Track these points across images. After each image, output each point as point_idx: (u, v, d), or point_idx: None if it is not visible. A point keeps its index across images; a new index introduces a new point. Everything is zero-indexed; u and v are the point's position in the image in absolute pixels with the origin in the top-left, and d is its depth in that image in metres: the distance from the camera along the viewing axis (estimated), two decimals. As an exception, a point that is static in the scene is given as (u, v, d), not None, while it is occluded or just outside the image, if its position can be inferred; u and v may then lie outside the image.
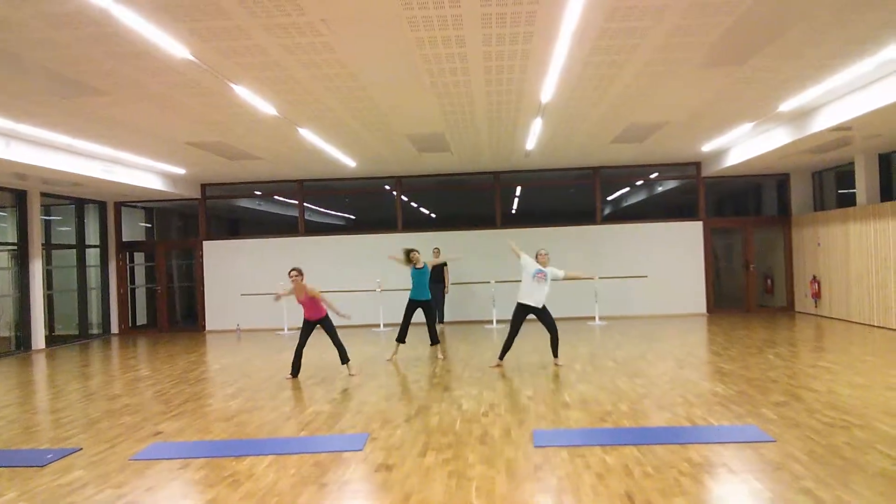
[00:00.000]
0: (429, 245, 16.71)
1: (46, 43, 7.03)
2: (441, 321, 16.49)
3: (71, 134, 11.26)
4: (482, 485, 5.38)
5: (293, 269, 10.46)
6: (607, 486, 5.25)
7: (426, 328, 12.03)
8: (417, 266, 11.88)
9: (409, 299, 11.89)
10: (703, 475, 5.44)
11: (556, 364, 10.67)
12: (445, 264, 16.12)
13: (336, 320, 10.58)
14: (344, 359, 10.58)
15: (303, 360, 10.67)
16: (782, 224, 18.08)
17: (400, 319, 11.98)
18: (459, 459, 6.07)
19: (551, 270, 10.58)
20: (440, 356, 12.04)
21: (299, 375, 10.58)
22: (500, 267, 17.48)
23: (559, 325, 10.86)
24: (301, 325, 10.61)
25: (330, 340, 10.56)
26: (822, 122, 11.30)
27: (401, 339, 11.95)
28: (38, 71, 7.91)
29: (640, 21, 7.08)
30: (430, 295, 11.95)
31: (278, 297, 11.24)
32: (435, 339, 12.10)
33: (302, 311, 10.53)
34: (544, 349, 11.68)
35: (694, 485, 5.22)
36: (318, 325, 10.52)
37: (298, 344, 10.53)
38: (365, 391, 9.28)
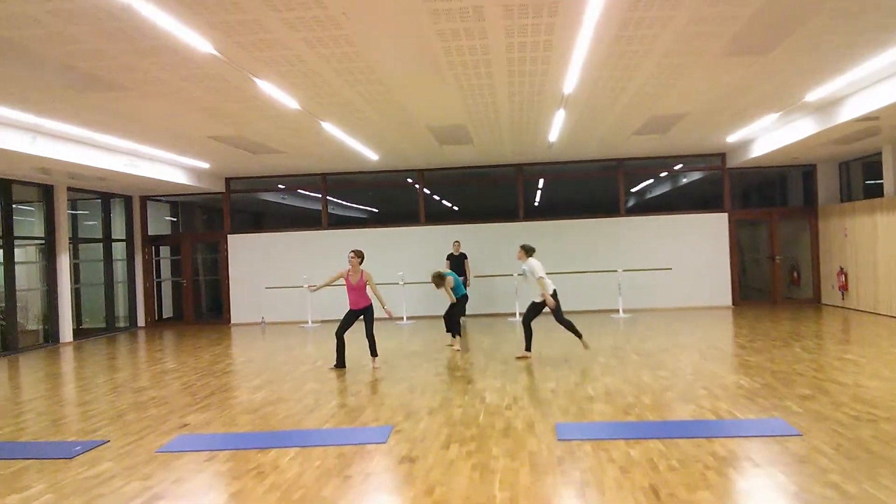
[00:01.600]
0: (450, 237, 16.74)
1: (67, 38, 7.08)
2: (462, 314, 16.44)
3: (95, 129, 11.36)
4: (505, 477, 5.39)
5: (352, 251, 10.62)
6: (631, 479, 5.23)
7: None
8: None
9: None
10: (729, 469, 5.40)
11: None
12: (466, 257, 16.11)
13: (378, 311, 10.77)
14: (374, 352, 10.64)
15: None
16: (809, 215, 17.87)
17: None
18: (483, 452, 6.08)
19: (528, 267, 10.64)
20: (449, 344, 12.46)
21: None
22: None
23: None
24: (343, 316, 10.65)
25: (365, 331, 10.66)
26: (849, 112, 11.14)
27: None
28: (60, 67, 7.98)
29: (662, 10, 7.01)
30: (464, 290, 12.44)
31: (316, 288, 11.37)
32: (457, 330, 12.36)
33: (346, 300, 10.52)
34: (565, 341, 11.63)
35: (719, 478, 5.19)
36: (360, 316, 10.59)
37: (338, 330, 10.63)
38: (388, 384, 9.32)
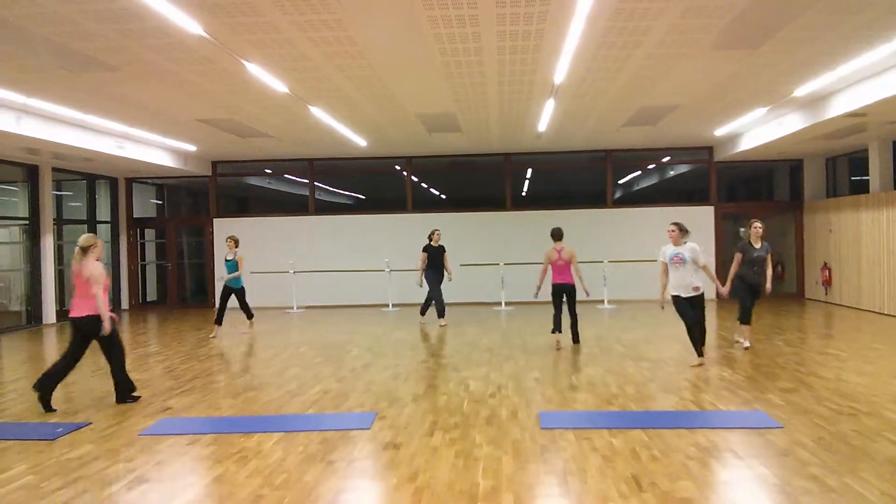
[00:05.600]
0: (437, 225, 16.67)
1: (57, 18, 7.00)
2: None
3: (82, 109, 11.26)
4: (489, 465, 5.40)
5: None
6: (614, 468, 5.26)
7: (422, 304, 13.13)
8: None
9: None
10: (710, 460, 5.44)
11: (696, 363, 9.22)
12: (444, 250, 14.21)
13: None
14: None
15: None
16: (794, 210, 17.97)
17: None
18: (466, 439, 6.10)
19: (689, 249, 9.16)
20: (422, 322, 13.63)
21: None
22: (510, 249, 17.49)
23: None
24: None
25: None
26: (837, 107, 11.19)
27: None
28: (49, 46, 7.89)
29: (655, 1, 7.01)
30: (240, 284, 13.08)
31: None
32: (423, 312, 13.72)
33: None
34: (547, 332, 11.61)
35: (701, 469, 5.23)
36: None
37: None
38: (373, 370, 9.31)
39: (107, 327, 7.56)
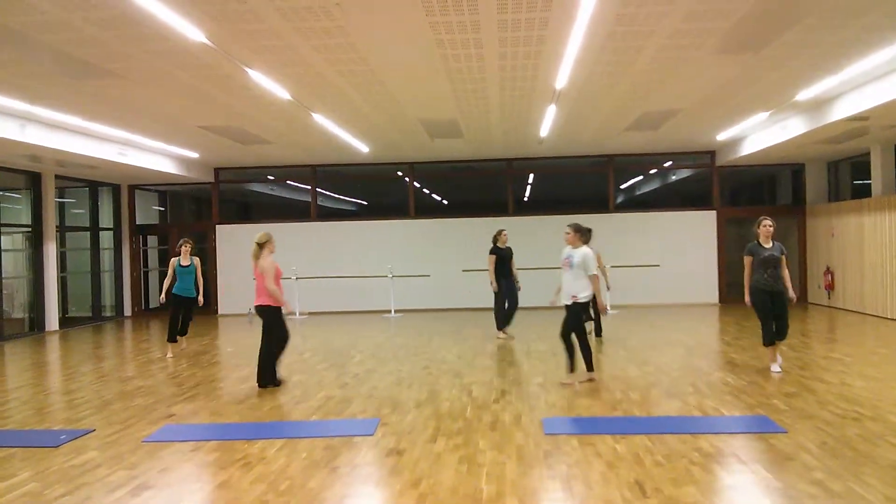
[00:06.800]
0: (440, 231, 16.69)
1: (60, 25, 7.02)
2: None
3: (85, 117, 11.28)
4: (492, 470, 5.40)
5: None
6: (617, 474, 5.25)
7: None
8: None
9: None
10: (714, 465, 5.43)
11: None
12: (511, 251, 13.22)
13: None
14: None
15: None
16: (797, 214, 17.94)
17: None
18: (470, 445, 6.09)
19: (580, 254, 8.46)
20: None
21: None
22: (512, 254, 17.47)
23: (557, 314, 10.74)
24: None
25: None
26: (839, 111, 11.19)
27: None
28: (52, 53, 7.91)
29: (657, 6, 7.02)
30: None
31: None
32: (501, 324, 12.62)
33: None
34: (553, 336, 11.61)
35: (704, 474, 5.22)
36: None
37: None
38: (375, 376, 9.31)
39: (288, 307, 9.02)
